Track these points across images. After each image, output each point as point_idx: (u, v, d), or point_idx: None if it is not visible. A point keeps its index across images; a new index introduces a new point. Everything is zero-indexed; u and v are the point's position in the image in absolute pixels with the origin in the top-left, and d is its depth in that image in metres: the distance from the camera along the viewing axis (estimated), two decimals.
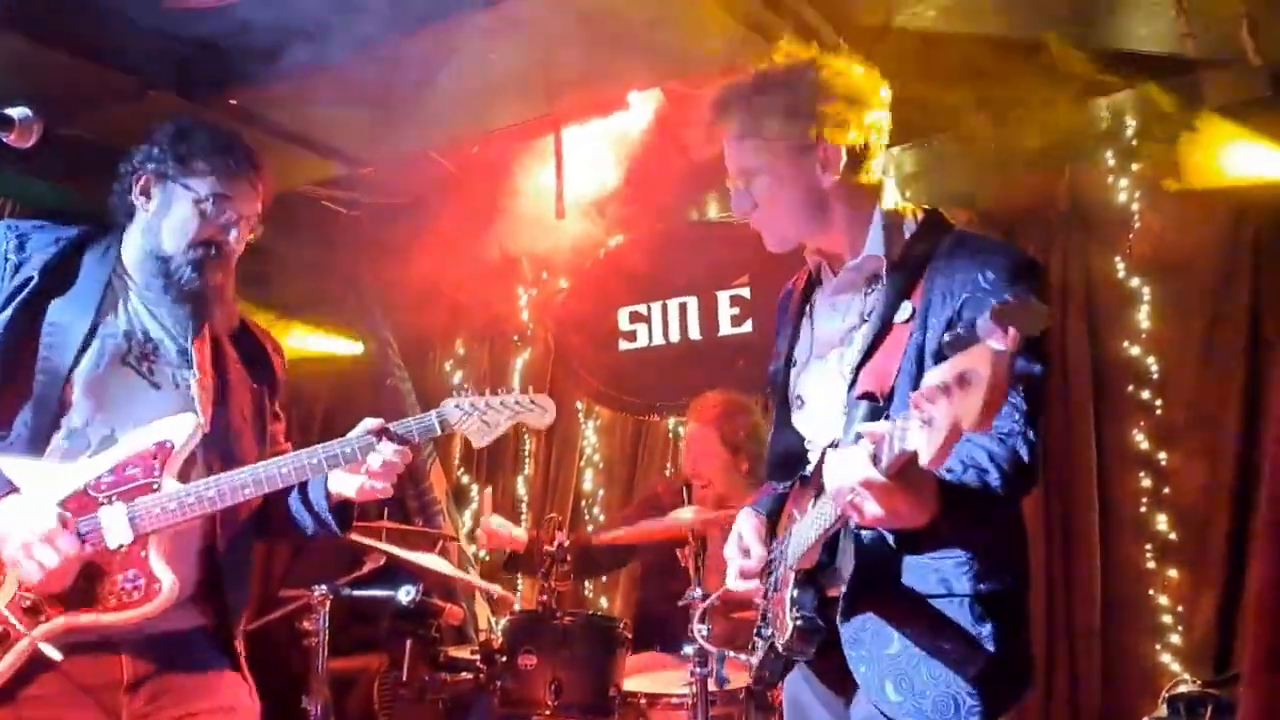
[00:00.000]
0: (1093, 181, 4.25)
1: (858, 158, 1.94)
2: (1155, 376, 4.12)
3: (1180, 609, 3.98)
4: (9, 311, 2.12)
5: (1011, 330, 1.32)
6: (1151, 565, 4.03)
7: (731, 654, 2.99)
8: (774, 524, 2.08)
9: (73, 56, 3.61)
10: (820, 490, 1.80)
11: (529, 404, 2.24)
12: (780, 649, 1.88)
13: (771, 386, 2.17)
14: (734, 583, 2.04)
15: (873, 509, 1.57)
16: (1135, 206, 4.18)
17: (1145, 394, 4.13)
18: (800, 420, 2.06)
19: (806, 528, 1.84)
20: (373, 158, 4.70)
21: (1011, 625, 1.79)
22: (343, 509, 2.29)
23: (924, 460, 1.39)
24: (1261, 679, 3.10)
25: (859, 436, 1.61)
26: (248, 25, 3.43)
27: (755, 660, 2.03)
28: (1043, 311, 1.35)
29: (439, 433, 2.24)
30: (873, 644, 1.78)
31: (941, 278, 1.84)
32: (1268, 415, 3.49)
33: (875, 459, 1.54)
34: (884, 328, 1.86)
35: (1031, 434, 1.73)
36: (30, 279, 2.15)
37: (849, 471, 1.57)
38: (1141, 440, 4.11)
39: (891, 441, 1.50)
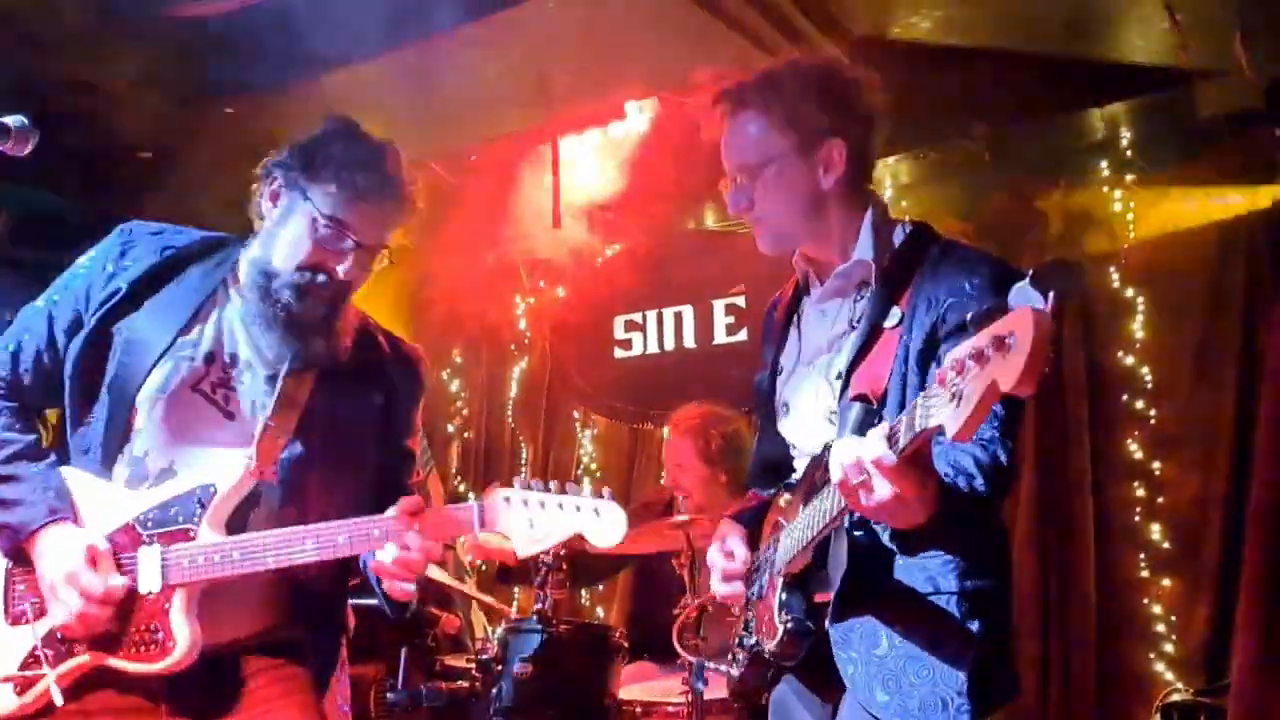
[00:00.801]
0: (1087, 191, 4.27)
1: (858, 164, 1.96)
2: (1149, 386, 4.14)
3: (1174, 618, 3.99)
4: (90, 324, 1.98)
5: (1051, 293, 1.34)
6: (1145, 574, 4.04)
7: (711, 665, 2.98)
8: (754, 534, 2.08)
9: (69, 64, 3.62)
10: (810, 493, 1.82)
11: (593, 519, 1.85)
12: (769, 654, 1.89)
13: (756, 396, 2.18)
14: (718, 586, 2.04)
15: (881, 490, 1.54)
16: (1130, 216, 4.20)
17: (1139, 404, 4.14)
18: (786, 427, 2.06)
19: (799, 529, 1.84)
20: None
21: (997, 624, 1.81)
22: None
23: (952, 432, 1.38)
24: (1248, 688, 3.12)
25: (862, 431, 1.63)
26: (246, 33, 3.44)
27: (737, 672, 2.03)
28: (1080, 271, 1.38)
29: (478, 529, 1.94)
30: (861, 645, 1.79)
31: (928, 284, 1.86)
32: (1262, 424, 3.50)
33: (892, 439, 1.53)
34: (873, 332, 1.88)
35: (1009, 441, 1.77)
36: (118, 290, 1.99)
37: (863, 449, 1.55)
38: (1136, 450, 4.12)
39: (912, 419, 1.48)
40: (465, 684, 3.51)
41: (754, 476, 2.19)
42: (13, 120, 1.88)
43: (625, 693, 3.51)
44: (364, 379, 2.11)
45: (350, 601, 2.30)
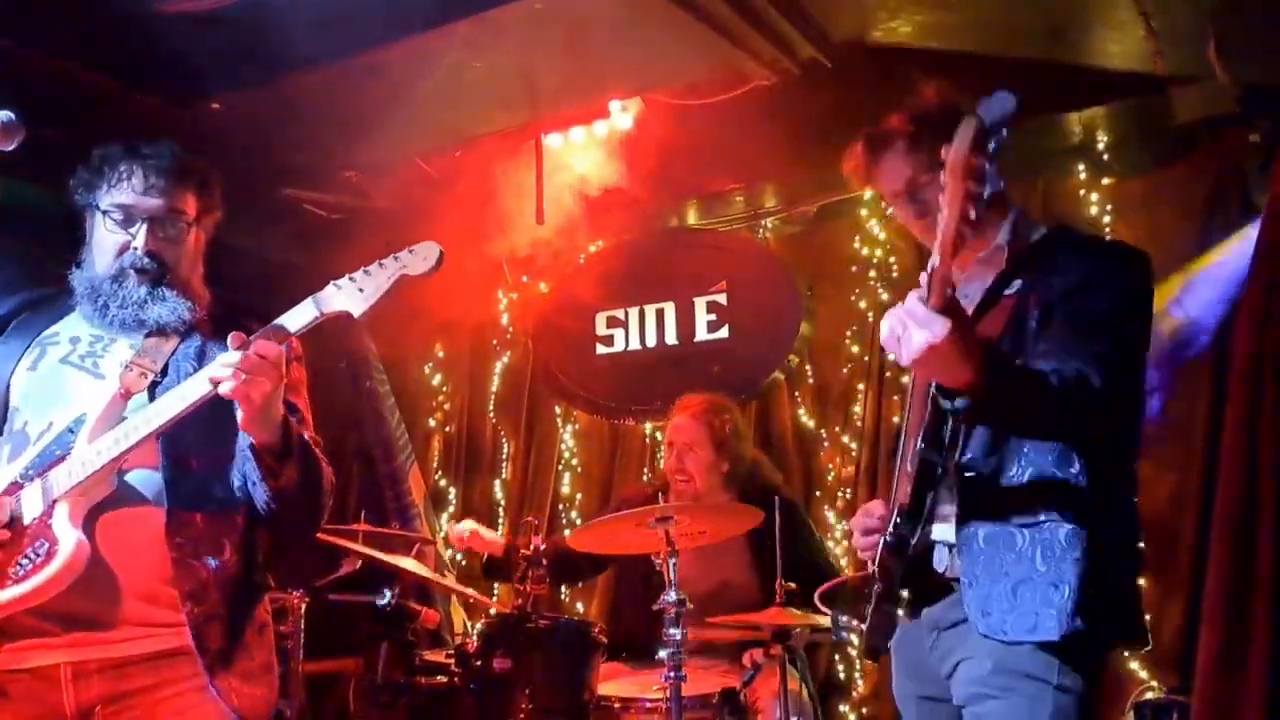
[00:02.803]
0: (1065, 194, 4.32)
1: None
2: None
3: (1148, 617, 4.01)
4: None
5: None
6: None
7: (846, 620, 3.02)
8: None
9: (57, 58, 3.61)
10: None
11: (408, 255, 2.06)
12: (874, 574, 2.01)
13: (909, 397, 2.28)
14: (858, 540, 2.12)
15: (916, 338, 1.66)
16: (1106, 219, 4.25)
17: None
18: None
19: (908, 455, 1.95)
20: (355, 163, 4.72)
21: (1110, 563, 1.90)
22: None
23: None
24: (1211, 685, 3.16)
25: None
26: (232, 30, 3.45)
27: (866, 626, 2.12)
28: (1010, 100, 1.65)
29: (319, 316, 2.05)
30: (974, 566, 1.93)
31: (1049, 261, 2.03)
32: (1229, 424, 3.55)
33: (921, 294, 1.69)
34: (993, 299, 2.04)
35: (1106, 370, 1.83)
36: None
37: (903, 305, 1.70)
38: None
39: (925, 285, 1.67)
40: (444, 679, 3.52)
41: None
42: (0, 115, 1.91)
43: (604, 688, 3.53)
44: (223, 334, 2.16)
45: (329, 596, 2.32)
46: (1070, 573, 1.87)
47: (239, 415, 2.00)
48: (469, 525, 4.02)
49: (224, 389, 1.95)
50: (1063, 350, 1.88)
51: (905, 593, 1.98)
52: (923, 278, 1.71)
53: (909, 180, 2.14)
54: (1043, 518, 1.91)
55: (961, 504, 1.97)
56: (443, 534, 3.98)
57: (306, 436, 2.20)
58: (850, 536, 2.21)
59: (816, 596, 2.90)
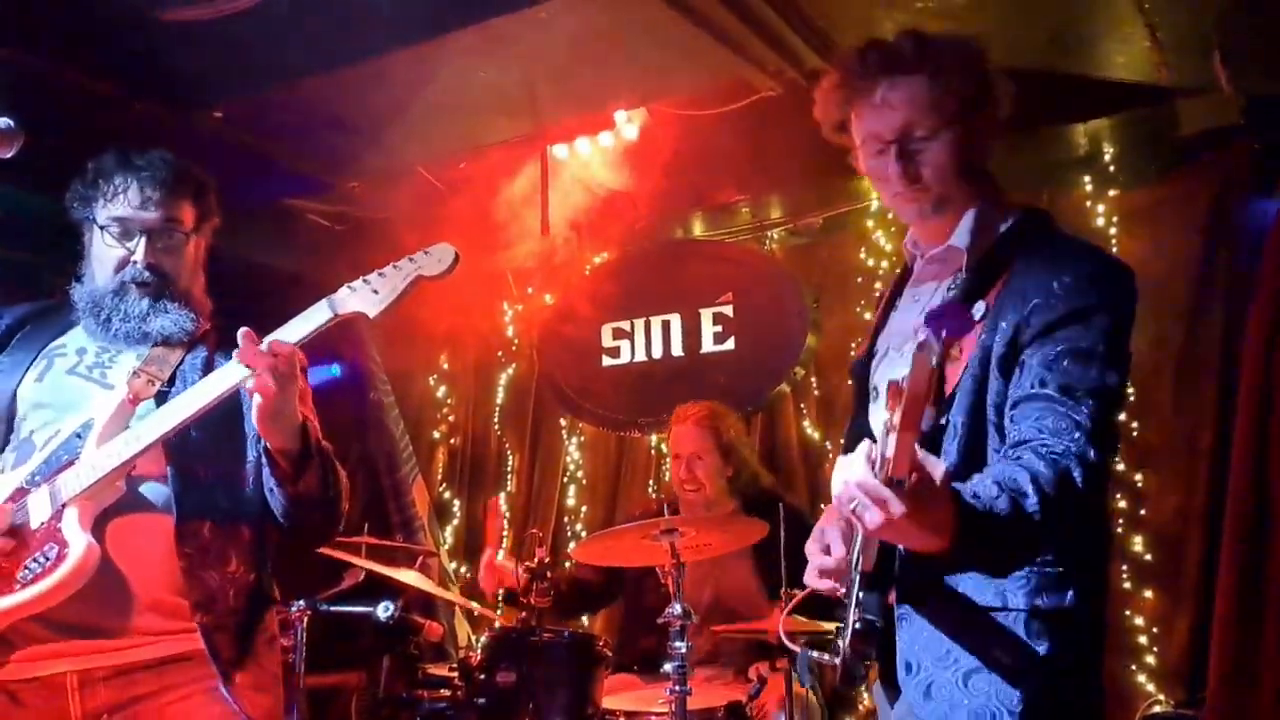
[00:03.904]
0: (1071, 205, 4.31)
1: (990, 149, 1.92)
2: (1132, 399, 4.16)
3: (1155, 630, 4.01)
4: None
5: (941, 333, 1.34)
6: (1128, 586, 4.06)
7: (815, 655, 2.92)
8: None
9: (59, 65, 3.62)
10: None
11: (423, 256, 2.04)
12: (845, 651, 1.81)
13: (852, 375, 2.12)
14: (812, 580, 1.96)
15: (872, 518, 1.44)
16: (1113, 231, 4.24)
17: (1121, 416, 4.16)
18: (873, 412, 2.01)
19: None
20: (360, 172, 4.72)
21: (1075, 645, 1.71)
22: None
23: (890, 470, 1.37)
24: (1222, 699, 3.14)
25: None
26: (237, 38, 3.45)
27: (839, 660, 2.00)
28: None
29: (335, 317, 2.02)
30: (925, 651, 1.74)
31: (1018, 280, 1.78)
32: (1237, 435, 3.54)
33: (877, 464, 1.46)
34: None
35: (1093, 454, 1.63)
36: None
37: (850, 470, 1.47)
38: (1118, 462, 4.14)
39: (884, 449, 1.42)
40: (447, 692, 3.50)
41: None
42: None
43: (609, 701, 3.51)
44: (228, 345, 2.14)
45: (331, 609, 2.31)
46: (1031, 668, 1.67)
47: (253, 414, 1.98)
48: (504, 562, 3.87)
49: (247, 383, 1.95)
50: (1044, 415, 1.67)
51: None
52: (866, 450, 1.48)
53: (903, 125, 1.84)
54: (1006, 601, 1.70)
55: (906, 582, 1.76)
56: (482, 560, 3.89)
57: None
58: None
59: (782, 633, 2.84)
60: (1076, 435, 1.65)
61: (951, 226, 1.90)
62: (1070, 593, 1.71)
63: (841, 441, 2.18)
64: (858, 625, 1.73)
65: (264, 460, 2.07)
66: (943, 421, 1.77)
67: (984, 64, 1.90)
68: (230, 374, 1.99)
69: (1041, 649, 1.68)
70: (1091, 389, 1.68)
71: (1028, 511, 1.57)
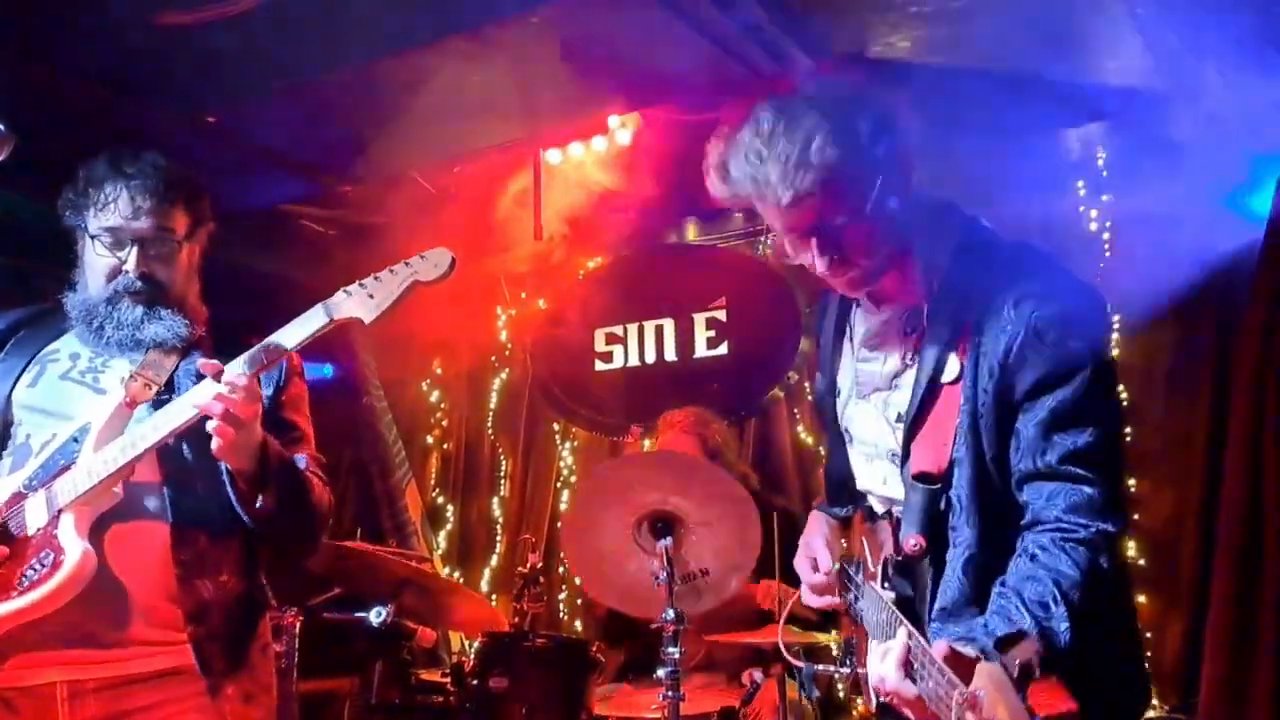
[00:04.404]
0: (1064, 211, 4.31)
1: (908, 182, 1.77)
2: (1125, 403, 4.17)
3: (1149, 635, 4.01)
4: None
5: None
6: None
7: (821, 667, 2.88)
8: (846, 530, 2.00)
9: (51, 69, 3.60)
10: (886, 572, 1.74)
11: (419, 261, 2.02)
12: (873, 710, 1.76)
13: (819, 406, 2.08)
14: (809, 600, 1.95)
15: (907, 712, 1.47)
16: (1106, 236, 4.25)
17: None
18: (852, 455, 1.97)
19: (874, 618, 1.73)
20: (354, 177, 4.71)
21: (1106, 691, 1.64)
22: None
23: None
24: (1217, 703, 3.14)
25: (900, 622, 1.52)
26: (230, 42, 3.44)
27: (847, 672, 1.97)
28: None
29: (330, 322, 2.01)
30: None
31: (987, 322, 1.69)
32: (1231, 438, 3.54)
33: (909, 666, 1.45)
34: (932, 390, 1.74)
35: (1112, 524, 1.59)
36: None
37: (884, 670, 1.48)
38: None
39: (936, 663, 1.39)
40: (440, 698, 3.49)
41: (832, 492, 2.09)
42: None
43: (601, 707, 3.50)
44: (221, 351, 2.17)
45: (324, 615, 2.31)
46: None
47: (213, 442, 1.97)
48: None
49: (209, 425, 1.95)
50: (1056, 495, 1.62)
51: None
52: (900, 654, 1.47)
53: (812, 227, 1.76)
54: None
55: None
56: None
57: (305, 457, 2.20)
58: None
59: (781, 645, 2.82)
60: (1091, 510, 1.60)
61: (895, 282, 1.82)
62: (1095, 628, 1.62)
63: (821, 471, 2.14)
64: (881, 701, 1.62)
65: (225, 479, 2.07)
66: (940, 507, 1.71)
67: (868, 118, 1.73)
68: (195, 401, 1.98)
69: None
70: (1091, 453, 1.63)
71: (1057, 635, 1.52)
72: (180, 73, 3.66)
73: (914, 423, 1.75)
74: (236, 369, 1.99)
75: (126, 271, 2.18)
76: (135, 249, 2.18)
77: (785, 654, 2.87)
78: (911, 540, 1.69)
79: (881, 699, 1.51)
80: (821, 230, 1.75)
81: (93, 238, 2.19)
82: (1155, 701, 3.87)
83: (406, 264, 2.03)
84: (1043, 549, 1.59)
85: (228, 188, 2.37)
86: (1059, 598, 1.53)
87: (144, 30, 3.35)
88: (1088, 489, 1.61)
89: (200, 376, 2.13)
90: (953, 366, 1.72)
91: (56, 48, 3.51)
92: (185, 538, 2.07)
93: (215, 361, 1.99)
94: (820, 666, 2.72)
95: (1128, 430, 4.14)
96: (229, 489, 2.06)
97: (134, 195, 2.16)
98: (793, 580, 3.40)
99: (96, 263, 2.20)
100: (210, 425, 1.95)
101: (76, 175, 2.22)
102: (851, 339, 1.98)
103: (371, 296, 2.01)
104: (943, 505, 1.70)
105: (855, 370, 1.94)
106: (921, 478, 1.72)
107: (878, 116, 1.72)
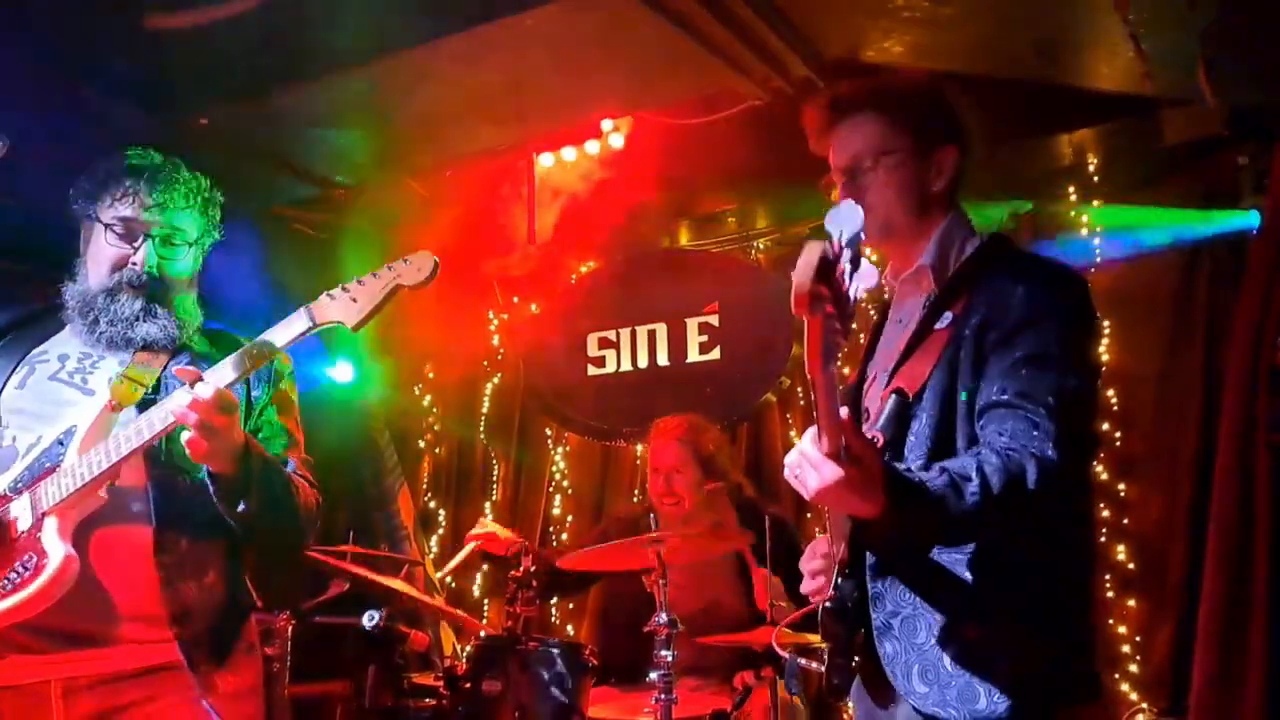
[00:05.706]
0: (1055, 215, 4.33)
1: (957, 178, 2.05)
2: (1115, 408, 4.19)
3: (1139, 638, 4.02)
4: None
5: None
6: (1111, 595, 4.08)
7: (803, 662, 2.90)
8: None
9: (41, 73, 3.60)
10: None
11: (402, 264, 2.02)
12: (820, 631, 1.88)
13: (845, 402, 2.13)
14: (807, 586, 2.02)
15: (809, 479, 1.60)
16: (1097, 241, 4.27)
17: (1105, 426, 4.19)
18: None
19: (839, 518, 1.86)
20: (345, 180, 4.71)
21: (1058, 620, 1.78)
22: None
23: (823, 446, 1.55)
24: (1207, 705, 3.15)
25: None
26: (222, 45, 3.43)
27: (825, 666, 1.98)
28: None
29: (312, 326, 2.01)
30: (901, 632, 1.81)
31: (982, 293, 1.90)
32: (1221, 441, 3.56)
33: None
34: (923, 332, 1.93)
35: (1052, 453, 1.70)
36: None
37: (802, 442, 1.63)
38: (1101, 471, 4.16)
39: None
40: (433, 701, 3.49)
41: None
42: None
43: (595, 710, 3.50)
44: (212, 359, 2.16)
45: (316, 618, 2.31)
46: (1009, 645, 1.75)
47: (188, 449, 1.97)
48: (491, 527, 3.92)
49: (183, 436, 1.95)
50: (1005, 419, 1.75)
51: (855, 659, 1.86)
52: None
53: (853, 156, 2.02)
54: (976, 582, 1.78)
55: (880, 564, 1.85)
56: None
57: (293, 460, 2.20)
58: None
59: (774, 642, 2.83)
60: (1035, 434, 1.72)
61: (920, 250, 2.02)
62: (1051, 573, 1.80)
63: None
64: (828, 603, 1.83)
65: (208, 482, 2.06)
66: (909, 414, 1.87)
67: (943, 100, 2.07)
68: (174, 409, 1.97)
69: (1025, 622, 1.76)
70: (1050, 391, 1.75)
71: (966, 494, 1.65)
72: (170, 75, 3.66)
73: (903, 356, 1.93)
74: (221, 372, 1.99)
75: (134, 264, 2.19)
76: (146, 243, 2.20)
77: (775, 648, 2.88)
78: (872, 436, 1.82)
79: (795, 472, 1.64)
80: (854, 167, 2.02)
81: (105, 226, 2.20)
82: (1145, 705, 3.89)
83: (389, 267, 2.03)
84: (977, 453, 1.73)
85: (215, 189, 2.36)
86: (977, 470, 1.67)
87: (135, 33, 3.35)
88: (1036, 419, 1.73)
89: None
90: (946, 317, 1.92)
91: (45, 51, 3.50)
92: (167, 541, 2.08)
93: (192, 368, 1.98)
94: (803, 660, 2.74)
95: (1117, 434, 4.17)
96: (210, 491, 2.06)
97: (154, 190, 2.19)
98: (787, 588, 3.43)
99: (103, 251, 2.21)
100: (184, 435, 1.95)
101: (95, 166, 2.24)
102: (884, 332, 2.15)
103: (355, 300, 2.01)
104: (909, 414, 1.86)
105: (880, 351, 2.11)
106: (895, 391, 1.89)
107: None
